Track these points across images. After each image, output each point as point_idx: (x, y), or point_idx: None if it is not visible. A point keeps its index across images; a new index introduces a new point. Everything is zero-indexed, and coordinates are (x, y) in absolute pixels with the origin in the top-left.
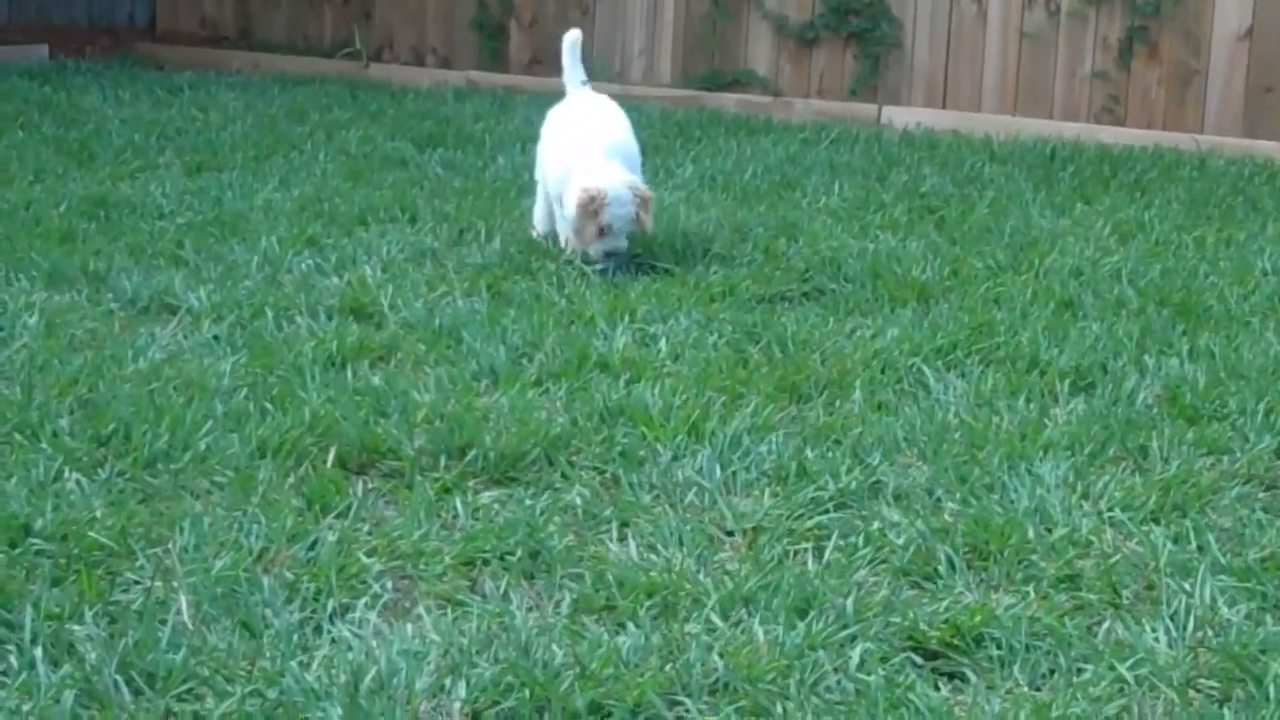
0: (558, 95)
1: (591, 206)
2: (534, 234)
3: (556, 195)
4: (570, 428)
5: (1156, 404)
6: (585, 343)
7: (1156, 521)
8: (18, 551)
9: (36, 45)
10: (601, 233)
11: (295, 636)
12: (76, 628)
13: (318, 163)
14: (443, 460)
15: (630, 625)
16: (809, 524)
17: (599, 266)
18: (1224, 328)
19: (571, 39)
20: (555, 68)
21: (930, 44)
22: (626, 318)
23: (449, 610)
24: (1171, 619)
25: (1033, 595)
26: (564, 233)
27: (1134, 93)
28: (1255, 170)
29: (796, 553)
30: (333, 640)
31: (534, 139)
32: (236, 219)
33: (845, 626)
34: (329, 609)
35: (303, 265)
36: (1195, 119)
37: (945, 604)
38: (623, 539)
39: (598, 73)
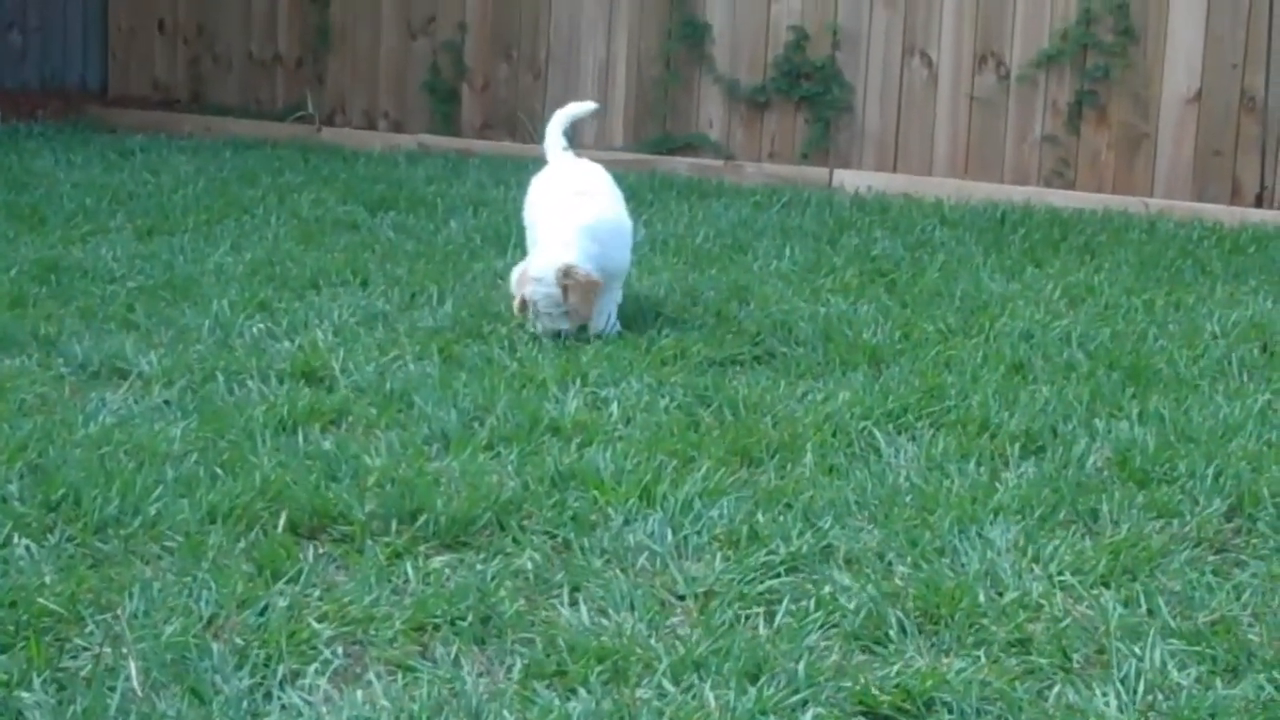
0: (510, 159)
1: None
2: None
3: None
4: (521, 492)
5: (1106, 467)
6: (537, 406)
7: (1107, 585)
8: None
9: None
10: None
11: (245, 703)
12: (25, 695)
13: (269, 226)
14: (394, 525)
15: (581, 691)
16: (760, 588)
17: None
18: (1173, 391)
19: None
20: (507, 132)
21: (881, 108)
22: (578, 381)
23: (399, 676)
24: (1122, 683)
25: (983, 659)
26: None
27: (1083, 156)
28: (1204, 234)
29: (748, 617)
30: (283, 707)
31: (484, 203)
32: (188, 283)
33: (796, 691)
34: (279, 675)
35: (254, 329)
36: (1145, 182)
37: (896, 668)
38: (574, 604)
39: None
